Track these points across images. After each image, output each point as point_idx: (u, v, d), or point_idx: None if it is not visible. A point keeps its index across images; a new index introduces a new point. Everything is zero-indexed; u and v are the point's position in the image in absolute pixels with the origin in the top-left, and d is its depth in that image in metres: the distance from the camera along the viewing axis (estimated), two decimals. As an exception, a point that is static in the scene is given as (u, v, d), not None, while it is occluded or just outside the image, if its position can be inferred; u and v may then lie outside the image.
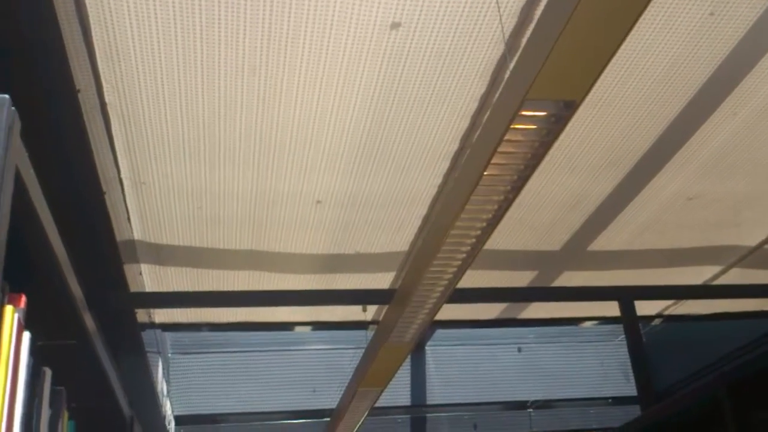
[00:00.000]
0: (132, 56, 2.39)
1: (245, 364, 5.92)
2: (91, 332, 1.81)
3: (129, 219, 3.27)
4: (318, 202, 3.28)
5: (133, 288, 3.71)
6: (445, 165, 3.07)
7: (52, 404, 1.64)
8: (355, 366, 4.26)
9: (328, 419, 5.22)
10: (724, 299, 4.61)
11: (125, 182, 3.03)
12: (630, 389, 5.10)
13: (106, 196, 2.84)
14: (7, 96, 1.14)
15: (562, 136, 2.18)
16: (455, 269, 2.91)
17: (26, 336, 1.33)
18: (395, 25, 2.34)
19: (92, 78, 2.44)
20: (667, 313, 5.11)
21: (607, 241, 3.88)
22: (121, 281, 3.46)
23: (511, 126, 2.02)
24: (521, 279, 4.29)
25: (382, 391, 4.20)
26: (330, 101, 2.66)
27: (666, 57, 2.60)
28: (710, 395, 2.76)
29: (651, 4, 1.68)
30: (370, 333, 4.35)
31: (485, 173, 2.24)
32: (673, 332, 5.60)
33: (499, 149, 2.13)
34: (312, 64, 2.48)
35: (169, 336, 5.65)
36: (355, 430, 4.91)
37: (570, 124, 2.09)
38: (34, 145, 1.33)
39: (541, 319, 5.09)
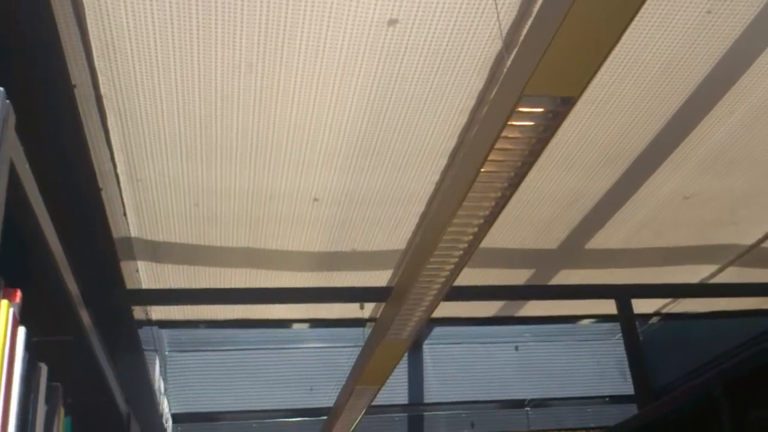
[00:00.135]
0: (128, 52, 2.38)
1: (242, 363, 5.91)
2: (87, 328, 1.81)
3: (125, 216, 3.27)
4: (315, 199, 3.28)
5: (130, 285, 3.71)
6: (443, 162, 3.06)
7: (48, 400, 1.63)
8: (353, 364, 4.26)
9: (326, 417, 5.21)
10: (721, 298, 4.62)
11: (122, 178, 3.03)
12: (627, 388, 5.10)
13: (103, 193, 2.83)
14: (1, 89, 1.13)
15: (559, 134, 2.18)
16: (452, 266, 2.91)
17: (21, 331, 1.33)
18: (392, 22, 2.34)
19: (89, 74, 2.43)
20: (664, 311, 5.12)
21: (604, 239, 3.89)
22: (118, 278, 3.46)
23: (508, 122, 2.02)
24: (518, 277, 4.29)
25: (379, 389, 4.20)
26: (327, 98, 2.65)
27: (663, 55, 2.60)
28: (707, 393, 2.76)
29: (648, 1, 1.68)
30: (367, 331, 4.35)
31: (482, 170, 2.24)
32: (670, 331, 5.60)
33: (496, 146, 2.12)
34: (309, 61, 2.48)
35: (166, 334, 5.65)
36: (353, 428, 4.91)
37: (567, 122, 2.09)
38: (30, 140, 1.33)
39: (538, 317, 5.10)
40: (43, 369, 1.57)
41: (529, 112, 2.00)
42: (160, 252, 3.64)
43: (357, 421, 4.77)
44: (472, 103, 2.73)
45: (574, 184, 3.34)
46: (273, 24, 2.31)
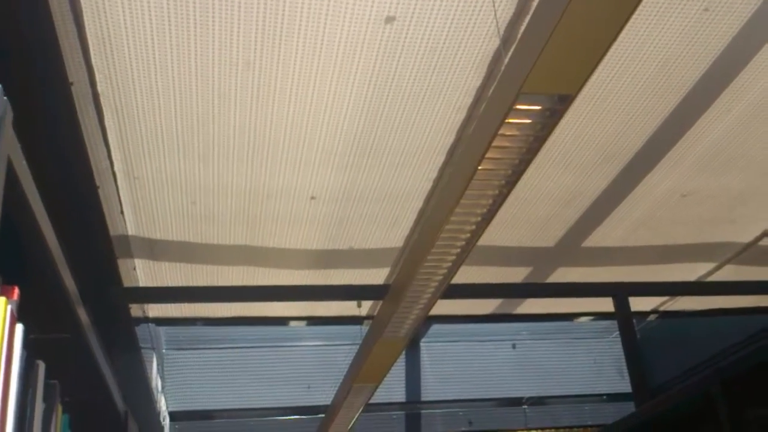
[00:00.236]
0: (125, 50, 2.38)
1: (240, 361, 5.92)
2: (84, 326, 1.81)
3: (123, 213, 3.27)
4: (312, 197, 3.27)
5: (127, 283, 3.71)
6: (441, 159, 3.06)
7: (45, 397, 1.63)
8: (350, 362, 4.26)
9: (323, 415, 5.21)
10: (719, 296, 4.63)
11: (119, 176, 3.02)
12: (624, 386, 5.12)
13: (100, 190, 2.83)
14: (-2, 85, 1.13)
15: (556, 132, 2.18)
16: (450, 264, 2.90)
17: (19, 328, 1.33)
18: (390, 19, 2.34)
19: (85, 71, 2.43)
20: (661, 309, 5.12)
21: (601, 237, 3.89)
22: (115, 276, 3.46)
23: (506, 120, 2.02)
24: (516, 275, 4.29)
25: (376, 387, 4.20)
26: (324, 96, 2.65)
27: (660, 53, 2.61)
28: (704, 391, 2.76)
29: (646, -3, 1.68)
30: (364, 328, 4.36)
31: (480, 168, 2.24)
32: (668, 329, 5.61)
33: (494, 143, 2.12)
34: (306, 59, 2.47)
35: (163, 332, 5.64)
36: (350, 426, 4.90)
37: (565, 120, 2.09)
38: (27, 138, 1.33)
39: (535, 314, 5.10)
40: (41, 366, 1.57)
41: (527, 110, 2.00)
42: (157, 249, 3.64)
43: (354, 419, 4.77)
44: (469, 100, 2.73)
45: (571, 182, 3.34)
46: (270, 21, 2.31)
